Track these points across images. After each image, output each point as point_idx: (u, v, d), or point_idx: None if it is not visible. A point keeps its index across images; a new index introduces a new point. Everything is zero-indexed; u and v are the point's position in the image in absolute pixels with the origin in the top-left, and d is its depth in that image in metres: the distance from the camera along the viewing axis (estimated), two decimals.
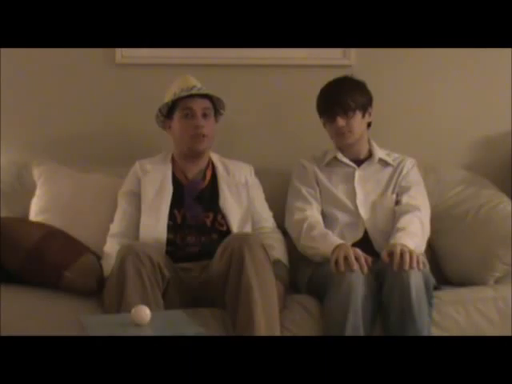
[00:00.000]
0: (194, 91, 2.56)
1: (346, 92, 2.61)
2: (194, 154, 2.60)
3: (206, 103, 2.59)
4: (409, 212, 2.54)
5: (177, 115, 2.59)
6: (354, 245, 2.48)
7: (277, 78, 3.04)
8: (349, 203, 2.63)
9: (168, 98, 2.59)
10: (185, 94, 2.55)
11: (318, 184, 2.68)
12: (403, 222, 2.51)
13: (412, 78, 3.08)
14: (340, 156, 2.69)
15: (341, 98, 2.59)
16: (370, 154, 2.71)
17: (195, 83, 2.59)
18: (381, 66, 3.02)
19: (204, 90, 2.58)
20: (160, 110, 2.61)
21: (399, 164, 2.70)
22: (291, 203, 2.66)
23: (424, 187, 2.70)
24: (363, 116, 2.64)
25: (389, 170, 2.69)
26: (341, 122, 2.59)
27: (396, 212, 2.59)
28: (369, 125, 2.70)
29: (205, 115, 2.57)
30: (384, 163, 2.70)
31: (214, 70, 2.95)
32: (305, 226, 2.55)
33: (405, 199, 2.61)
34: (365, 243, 2.55)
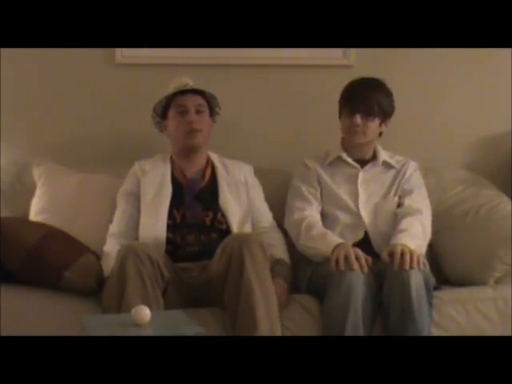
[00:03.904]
0: (186, 88, 2.57)
1: (376, 95, 2.58)
2: (189, 151, 2.61)
3: (199, 100, 2.60)
4: (410, 215, 2.54)
5: (171, 113, 2.60)
6: (354, 245, 2.48)
7: (277, 78, 3.04)
8: (351, 204, 2.62)
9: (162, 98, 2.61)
10: (176, 90, 2.56)
11: (319, 183, 2.66)
12: (405, 223, 2.50)
13: (412, 78, 3.08)
14: (344, 156, 2.67)
15: (368, 99, 2.56)
16: (374, 156, 2.69)
17: (188, 82, 2.60)
18: (381, 65, 3.01)
19: (196, 86, 2.59)
20: (155, 111, 2.62)
21: (402, 167, 2.69)
22: (291, 202, 2.66)
23: (425, 191, 2.69)
24: (380, 124, 2.62)
25: (392, 172, 2.68)
26: (359, 119, 2.57)
27: (398, 215, 2.58)
28: (380, 134, 2.68)
29: (198, 111, 2.58)
30: (387, 165, 2.69)
31: (214, 70, 2.95)
32: (303, 225, 2.55)
33: (407, 202, 2.60)
34: (365, 244, 2.55)
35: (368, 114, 2.57)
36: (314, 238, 2.51)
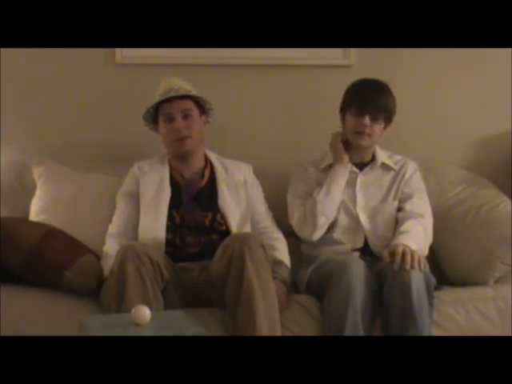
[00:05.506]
0: (170, 94, 2.52)
1: (384, 98, 2.56)
2: (182, 156, 2.59)
3: (187, 104, 2.55)
4: (412, 218, 2.52)
5: (160, 121, 2.57)
6: (354, 250, 2.51)
7: (277, 78, 3.04)
8: (349, 207, 2.61)
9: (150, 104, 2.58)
10: (161, 98, 2.53)
11: (318, 185, 2.63)
12: (406, 226, 2.49)
13: (412, 78, 3.08)
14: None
15: (379, 101, 2.54)
16: (373, 158, 2.66)
17: (173, 85, 2.55)
18: (381, 66, 3.01)
19: (181, 91, 2.54)
20: (145, 119, 2.60)
21: (401, 168, 2.66)
22: (291, 202, 2.64)
23: (426, 193, 2.67)
24: (384, 128, 2.60)
25: (391, 174, 2.65)
26: (368, 120, 2.52)
27: (399, 218, 2.57)
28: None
29: (186, 116, 2.54)
30: (386, 167, 2.66)
31: (214, 70, 2.95)
32: (305, 210, 2.56)
33: (408, 207, 2.58)
34: (365, 247, 2.55)
35: (376, 116, 2.54)
36: (318, 202, 2.53)
